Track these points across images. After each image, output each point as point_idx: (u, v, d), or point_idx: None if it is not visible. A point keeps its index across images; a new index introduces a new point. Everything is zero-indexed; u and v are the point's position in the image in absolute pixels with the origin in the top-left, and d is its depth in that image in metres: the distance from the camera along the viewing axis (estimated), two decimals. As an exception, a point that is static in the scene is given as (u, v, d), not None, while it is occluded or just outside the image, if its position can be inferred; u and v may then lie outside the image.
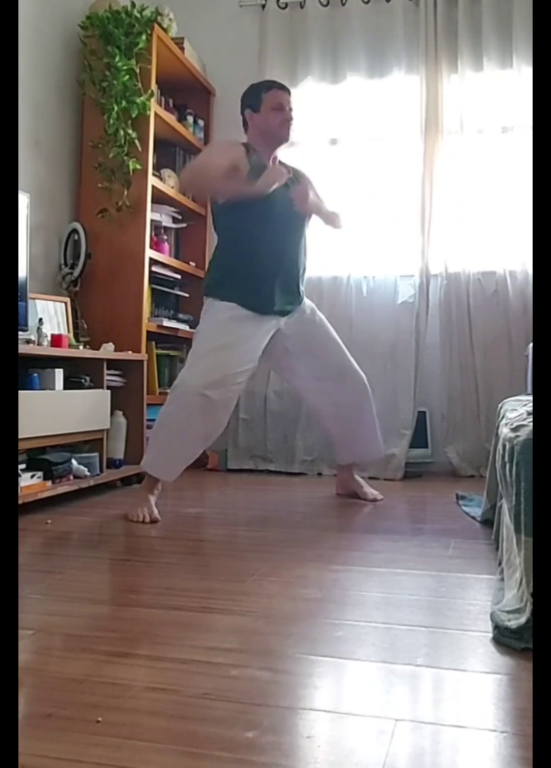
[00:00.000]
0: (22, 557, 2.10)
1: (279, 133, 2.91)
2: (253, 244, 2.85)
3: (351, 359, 3.13)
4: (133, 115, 3.55)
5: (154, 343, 3.82)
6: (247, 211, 2.82)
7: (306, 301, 3.09)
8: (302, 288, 3.04)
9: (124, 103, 3.53)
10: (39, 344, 2.95)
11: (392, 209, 4.09)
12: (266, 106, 2.90)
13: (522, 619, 1.44)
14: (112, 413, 3.27)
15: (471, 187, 3.97)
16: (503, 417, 2.30)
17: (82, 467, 3.06)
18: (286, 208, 2.89)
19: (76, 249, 3.59)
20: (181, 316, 4.06)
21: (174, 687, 1.27)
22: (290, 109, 2.92)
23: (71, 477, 3.00)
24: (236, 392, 2.81)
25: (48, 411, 2.82)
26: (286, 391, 3.97)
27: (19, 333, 2.77)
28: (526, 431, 1.64)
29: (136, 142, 3.58)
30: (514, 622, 1.46)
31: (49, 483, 2.84)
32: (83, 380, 3.14)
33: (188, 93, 4.21)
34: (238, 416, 4.10)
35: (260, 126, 2.91)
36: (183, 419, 2.69)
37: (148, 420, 3.51)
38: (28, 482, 2.74)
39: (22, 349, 2.67)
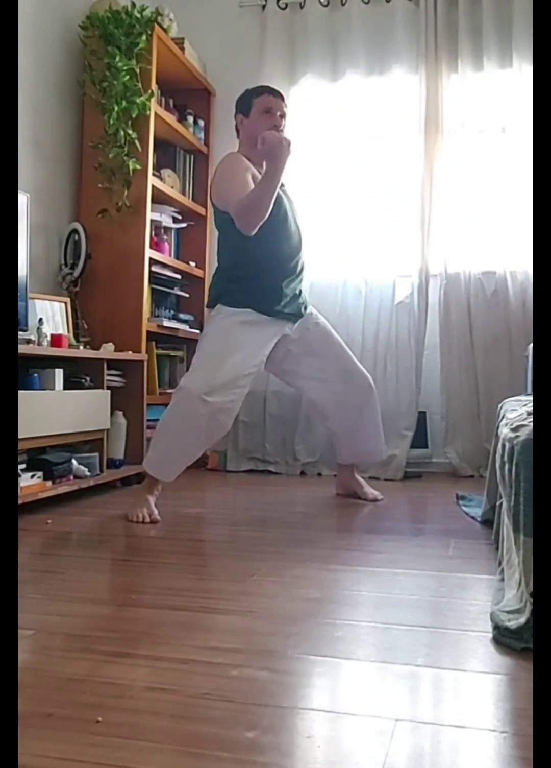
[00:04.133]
0: (22, 557, 2.10)
1: None
2: (263, 251, 2.83)
3: (356, 360, 3.14)
4: (133, 116, 3.55)
5: (154, 343, 3.82)
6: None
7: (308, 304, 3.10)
8: (305, 294, 3.07)
9: (124, 103, 3.53)
10: (39, 344, 2.95)
11: (392, 209, 4.09)
12: (256, 110, 2.90)
13: (522, 620, 1.44)
14: (112, 413, 3.27)
15: (471, 187, 3.96)
16: (503, 417, 2.30)
17: (82, 467, 3.05)
18: (290, 213, 2.92)
19: (76, 249, 3.59)
20: (181, 316, 4.06)
21: (174, 687, 1.27)
22: (281, 116, 2.90)
23: (71, 477, 3.00)
24: (240, 395, 2.80)
25: (48, 411, 2.82)
26: (286, 393, 3.97)
27: (19, 333, 2.77)
28: (526, 431, 1.64)
29: (136, 142, 3.57)
30: (514, 622, 1.46)
31: (49, 483, 2.84)
32: (83, 380, 3.13)
33: (188, 93, 4.21)
34: (237, 418, 4.09)
35: (249, 131, 2.91)
36: (185, 423, 2.69)
37: (148, 420, 3.51)
38: (28, 482, 2.74)
39: (22, 349, 2.67)
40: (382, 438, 3.20)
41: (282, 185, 2.97)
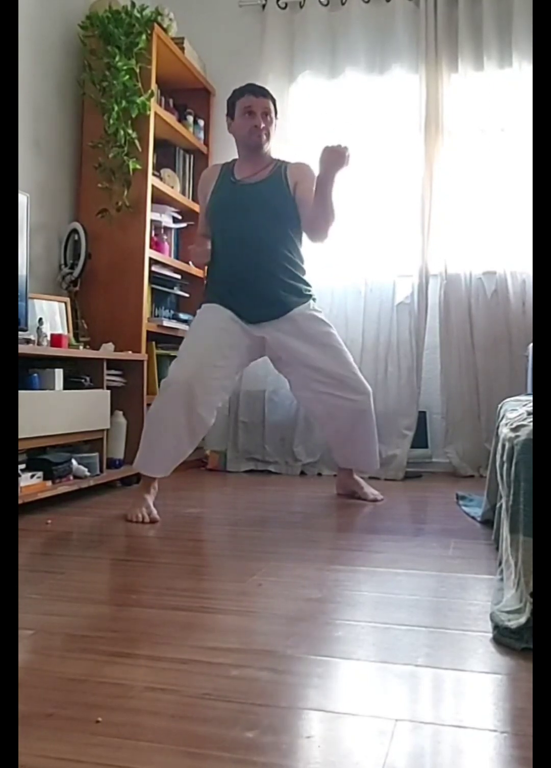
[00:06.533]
0: (22, 557, 2.10)
1: (249, 139, 2.89)
2: (220, 252, 2.94)
3: (354, 368, 3.05)
4: (133, 115, 3.55)
5: (154, 343, 3.82)
6: (214, 221, 2.95)
7: (302, 310, 3.00)
8: (283, 296, 2.95)
9: (124, 103, 3.53)
10: (39, 344, 2.95)
11: (392, 209, 4.09)
12: (238, 111, 2.90)
13: (522, 619, 1.44)
14: (112, 413, 3.27)
15: (471, 187, 3.97)
16: (503, 417, 2.30)
17: (82, 467, 3.05)
18: (250, 219, 2.89)
19: (76, 249, 3.59)
20: (181, 316, 4.06)
21: (174, 687, 1.27)
22: (264, 114, 2.88)
23: (71, 477, 3.00)
24: (217, 390, 2.81)
25: (48, 411, 2.82)
26: (286, 393, 3.97)
27: (19, 333, 2.77)
28: (526, 431, 1.64)
29: (136, 142, 3.58)
30: (514, 622, 1.46)
31: (49, 483, 2.84)
32: (83, 380, 3.13)
33: (188, 93, 4.21)
34: (237, 419, 4.11)
35: (234, 132, 2.94)
36: (165, 412, 2.72)
37: (148, 420, 3.51)
38: (28, 482, 2.74)
39: (22, 349, 2.66)
40: (376, 451, 3.14)
41: (256, 183, 2.94)
